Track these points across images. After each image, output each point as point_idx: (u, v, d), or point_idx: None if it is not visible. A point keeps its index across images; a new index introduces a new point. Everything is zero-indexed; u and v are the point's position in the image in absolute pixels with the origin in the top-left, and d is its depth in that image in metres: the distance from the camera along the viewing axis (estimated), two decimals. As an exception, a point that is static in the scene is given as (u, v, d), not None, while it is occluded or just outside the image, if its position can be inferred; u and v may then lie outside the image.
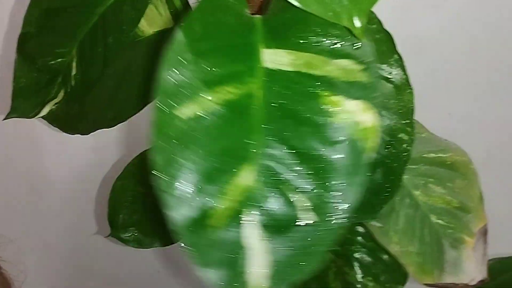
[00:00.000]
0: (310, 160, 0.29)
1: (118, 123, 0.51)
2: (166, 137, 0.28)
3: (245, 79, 0.30)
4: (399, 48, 0.43)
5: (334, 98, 0.29)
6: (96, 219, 0.84)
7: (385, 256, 0.47)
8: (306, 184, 0.28)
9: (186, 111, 0.29)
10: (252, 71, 0.31)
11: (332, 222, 0.28)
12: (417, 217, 0.45)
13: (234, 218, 0.28)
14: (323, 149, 0.29)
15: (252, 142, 0.29)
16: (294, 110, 0.29)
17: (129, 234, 0.60)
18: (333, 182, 0.28)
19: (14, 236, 0.61)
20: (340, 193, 0.28)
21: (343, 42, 0.31)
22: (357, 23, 0.30)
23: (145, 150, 0.60)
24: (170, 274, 0.91)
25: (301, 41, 0.32)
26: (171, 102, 0.29)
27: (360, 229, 0.49)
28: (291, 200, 0.28)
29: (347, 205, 0.28)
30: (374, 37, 0.44)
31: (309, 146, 0.29)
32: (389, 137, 0.43)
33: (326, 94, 0.29)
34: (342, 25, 0.30)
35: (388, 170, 0.43)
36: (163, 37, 0.48)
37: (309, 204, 0.28)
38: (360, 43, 0.31)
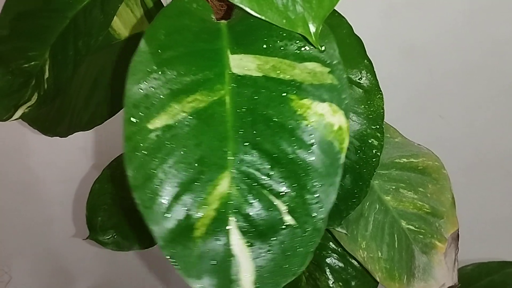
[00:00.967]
0: (285, 163, 0.29)
1: (94, 127, 0.51)
2: (138, 150, 0.28)
3: (214, 86, 0.30)
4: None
5: (303, 101, 0.29)
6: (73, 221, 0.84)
7: (356, 262, 0.47)
8: (282, 188, 0.29)
9: (157, 122, 0.28)
10: (220, 78, 0.31)
11: (311, 224, 0.28)
12: (386, 223, 0.45)
13: (216, 226, 0.28)
14: (297, 152, 0.29)
15: (226, 150, 0.29)
16: (265, 115, 0.30)
17: (108, 237, 0.60)
18: (310, 184, 0.28)
19: None
20: (317, 195, 0.28)
21: (309, 45, 0.31)
22: (313, 29, 0.30)
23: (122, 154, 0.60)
24: (157, 276, 0.91)
25: (267, 46, 0.31)
26: (140, 114, 0.28)
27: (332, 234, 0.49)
28: (270, 205, 0.28)
29: (324, 206, 0.28)
30: (345, 42, 0.44)
31: (282, 150, 0.29)
32: (359, 142, 0.43)
33: (295, 97, 0.30)
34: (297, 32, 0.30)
35: (357, 175, 0.42)
36: (139, 40, 0.48)
37: (287, 207, 0.28)
38: (324, 46, 0.30)
